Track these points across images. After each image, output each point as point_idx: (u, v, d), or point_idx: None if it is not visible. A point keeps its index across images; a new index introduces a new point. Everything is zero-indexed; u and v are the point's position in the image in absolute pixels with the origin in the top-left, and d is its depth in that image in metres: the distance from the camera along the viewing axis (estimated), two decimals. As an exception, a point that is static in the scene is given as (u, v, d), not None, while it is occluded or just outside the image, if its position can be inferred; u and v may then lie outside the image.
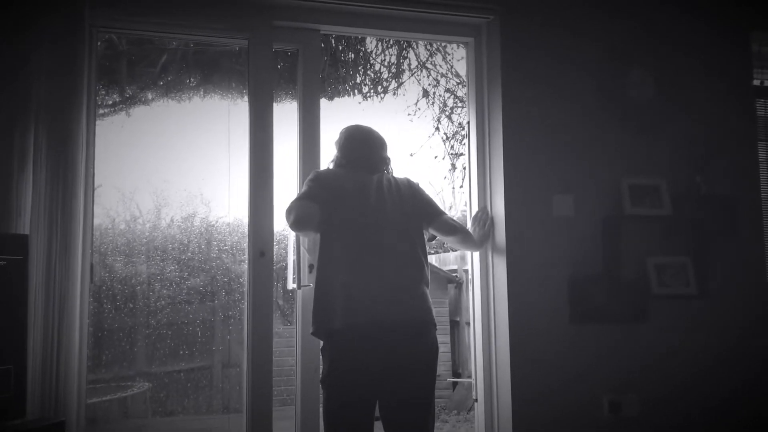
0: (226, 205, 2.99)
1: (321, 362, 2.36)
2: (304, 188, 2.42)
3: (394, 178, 2.53)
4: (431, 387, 2.32)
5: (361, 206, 2.37)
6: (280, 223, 2.78)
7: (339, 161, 2.56)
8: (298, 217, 2.35)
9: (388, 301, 2.26)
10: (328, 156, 2.67)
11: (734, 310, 2.97)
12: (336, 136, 2.62)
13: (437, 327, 2.36)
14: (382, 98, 5.20)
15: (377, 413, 2.29)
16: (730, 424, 2.91)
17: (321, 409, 2.34)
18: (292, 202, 2.39)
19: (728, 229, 2.97)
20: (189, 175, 2.95)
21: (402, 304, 2.27)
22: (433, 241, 2.65)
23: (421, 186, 2.60)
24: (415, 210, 2.48)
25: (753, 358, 2.98)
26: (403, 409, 2.27)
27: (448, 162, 5.84)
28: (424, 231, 2.53)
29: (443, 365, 7.95)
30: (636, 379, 2.83)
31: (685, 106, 3.03)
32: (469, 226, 2.88)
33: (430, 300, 2.36)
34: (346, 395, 2.24)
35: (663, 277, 2.85)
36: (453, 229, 2.61)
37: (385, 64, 5.18)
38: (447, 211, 2.66)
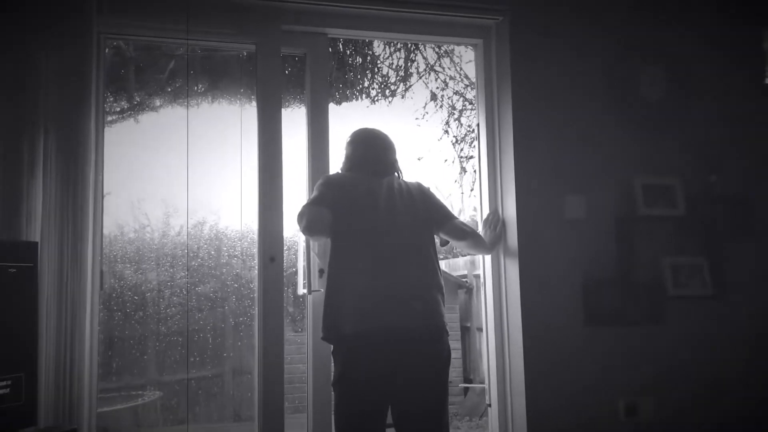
0: (236, 210, 2.98)
1: (332, 366, 2.34)
2: (314, 193, 2.41)
3: (405, 182, 2.52)
4: (444, 395, 2.30)
5: (372, 210, 2.36)
6: (290, 229, 2.77)
7: (346, 166, 2.55)
8: (310, 222, 2.34)
9: (400, 307, 2.23)
10: (337, 160, 2.66)
11: (752, 310, 2.93)
12: (345, 140, 2.61)
13: (449, 333, 2.34)
14: (390, 102, 5.20)
15: (390, 419, 2.27)
16: (749, 427, 2.86)
17: (332, 413, 2.32)
18: (303, 207, 2.38)
19: (744, 229, 2.93)
20: (198, 181, 2.94)
21: (414, 311, 2.25)
22: (444, 247, 2.64)
23: (432, 191, 2.58)
24: (427, 215, 2.46)
25: (771, 360, 2.94)
26: (416, 418, 2.24)
27: (457, 165, 5.83)
28: (436, 236, 2.51)
29: (454, 371, 7.91)
30: (652, 382, 2.79)
31: (699, 105, 3.00)
32: (480, 229, 2.85)
33: (443, 306, 2.33)
34: (357, 399, 2.22)
35: (679, 278, 2.81)
36: (464, 233, 2.59)
37: (393, 67, 5.18)
38: (457, 216, 2.65)
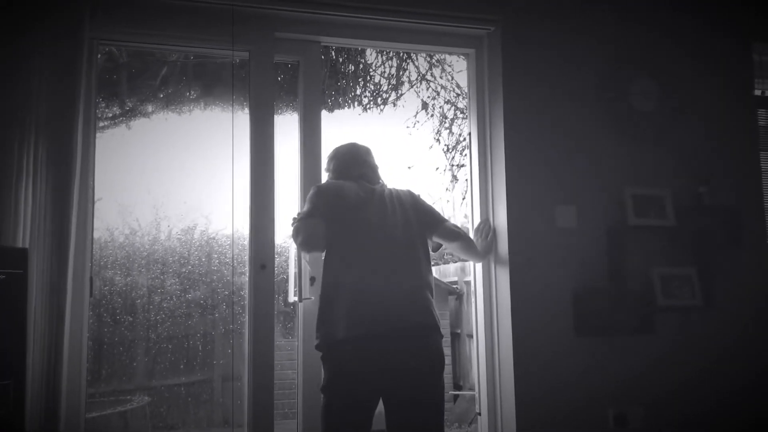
0: (227, 217, 2.97)
1: (322, 371, 2.33)
2: (307, 205, 2.40)
3: (395, 189, 2.53)
4: (439, 387, 2.28)
5: (364, 216, 2.36)
6: (281, 236, 2.76)
7: (333, 177, 2.57)
8: (306, 237, 2.35)
9: (391, 310, 2.23)
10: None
11: (740, 320, 2.96)
12: (327, 157, 2.64)
13: (442, 336, 2.34)
14: (381, 110, 5.22)
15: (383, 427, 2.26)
16: (737, 436, 2.89)
17: (321, 418, 2.31)
18: (298, 223, 2.37)
19: (732, 240, 2.95)
20: (189, 187, 2.94)
21: (404, 311, 2.25)
22: (436, 252, 2.65)
23: (423, 197, 2.59)
24: (418, 219, 2.47)
25: (759, 369, 2.96)
26: (411, 408, 2.24)
27: (448, 174, 5.85)
28: (429, 240, 2.51)
29: (445, 377, 7.88)
30: (641, 392, 2.81)
31: (688, 117, 3.03)
32: (471, 238, 2.86)
33: (434, 306, 2.33)
34: (346, 401, 2.21)
35: (668, 288, 2.83)
36: (456, 235, 2.59)
37: (385, 76, 5.20)
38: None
